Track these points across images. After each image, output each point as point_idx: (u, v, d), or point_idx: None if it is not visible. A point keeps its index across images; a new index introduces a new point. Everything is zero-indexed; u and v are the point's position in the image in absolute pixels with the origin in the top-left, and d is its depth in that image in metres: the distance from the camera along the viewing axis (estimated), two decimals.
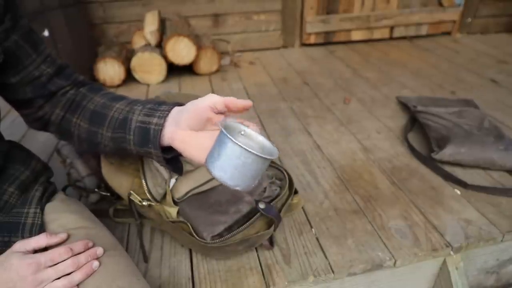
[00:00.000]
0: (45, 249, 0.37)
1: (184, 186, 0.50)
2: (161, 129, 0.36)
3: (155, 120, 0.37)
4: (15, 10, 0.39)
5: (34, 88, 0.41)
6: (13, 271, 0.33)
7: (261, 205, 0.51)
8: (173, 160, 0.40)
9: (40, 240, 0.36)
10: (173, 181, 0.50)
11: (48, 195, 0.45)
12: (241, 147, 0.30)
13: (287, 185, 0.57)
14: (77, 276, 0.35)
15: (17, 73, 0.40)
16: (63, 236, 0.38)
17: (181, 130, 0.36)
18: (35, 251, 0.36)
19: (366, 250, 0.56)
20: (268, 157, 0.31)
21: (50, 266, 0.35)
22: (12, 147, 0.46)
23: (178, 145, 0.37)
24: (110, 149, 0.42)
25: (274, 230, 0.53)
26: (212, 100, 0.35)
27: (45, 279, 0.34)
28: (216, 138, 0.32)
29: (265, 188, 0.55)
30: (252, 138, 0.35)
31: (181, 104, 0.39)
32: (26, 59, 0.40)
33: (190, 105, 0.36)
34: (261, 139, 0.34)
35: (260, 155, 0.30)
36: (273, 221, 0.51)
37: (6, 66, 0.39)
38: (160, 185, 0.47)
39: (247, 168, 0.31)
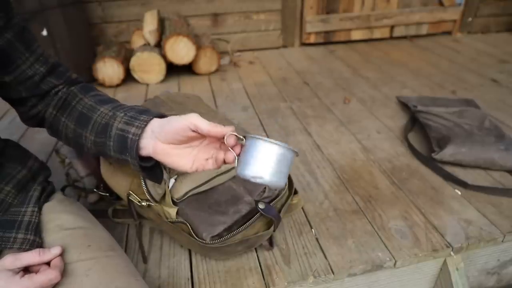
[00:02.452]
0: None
1: (183, 186, 0.50)
2: (138, 139, 0.36)
3: (133, 129, 0.37)
4: (7, 8, 0.38)
5: (27, 88, 0.41)
6: None
7: (261, 206, 0.50)
8: (153, 167, 0.40)
9: (31, 258, 0.34)
10: (172, 181, 0.49)
11: (46, 195, 0.44)
12: (277, 144, 0.33)
13: (287, 185, 0.56)
14: (52, 275, 0.33)
15: (10, 72, 0.40)
16: (56, 251, 0.36)
17: (161, 143, 0.36)
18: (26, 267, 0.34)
19: (366, 251, 0.56)
20: (296, 150, 0.34)
21: None
22: (8, 146, 0.46)
23: (161, 158, 0.37)
24: (93, 152, 0.42)
25: (274, 230, 0.52)
26: (193, 122, 0.34)
27: None
28: (245, 148, 0.35)
29: (264, 188, 0.54)
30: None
31: (163, 116, 0.39)
32: (19, 58, 0.40)
33: (170, 122, 0.36)
34: (273, 140, 0.35)
35: (291, 148, 0.33)
36: (272, 221, 0.51)
37: (0, 65, 0.39)
38: (159, 185, 0.47)
39: (282, 163, 0.34)
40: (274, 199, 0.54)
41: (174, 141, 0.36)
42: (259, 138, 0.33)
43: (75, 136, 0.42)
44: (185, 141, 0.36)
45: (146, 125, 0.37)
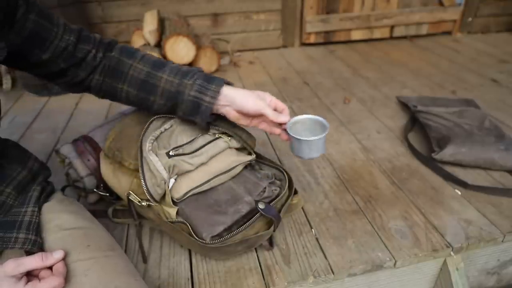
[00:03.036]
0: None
1: (183, 186, 0.50)
2: (212, 107, 0.47)
3: (207, 98, 0.46)
4: None
5: (64, 59, 0.44)
6: None
7: (261, 205, 0.50)
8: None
9: (34, 263, 0.34)
10: (172, 181, 0.49)
11: (46, 195, 0.44)
12: (309, 140, 0.51)
13: (287, 185, 0.56)
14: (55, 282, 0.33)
15: (46, 50, 0.42)
16: (59, 256, 0.36)
17: (234, 112, 0.49)
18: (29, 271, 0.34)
19: (366, 251, 0.56)
20: (320, 137, 0.51)
21: None
22: (8, 146, 0.46)
23: (232, 118, 0.50)
24: (162, 111, 0.50)
25: (274, 230, 0.52)
26: (262, 110, 0.48)
27: None
28: (292, 138, 0.52)
29: (264, 188, 0.54)
30: (307, 121, 0.55)
31: (229, 83, 0.49)
32: (49, 34, 0.42)
33: (246, 99, 0.48)
34: (311, 116, 0.55)
35: (324, 134, 0.52)
36: (272, 221, 0.51)
37: (35, 46, 0.41)
38: (159, 185, 0.47)
39: (316, 145, 0.52)
40: (274, 199, 0.54)
41: (245, 113, 0.49)
42: (299, 139, 0.51)
43: (140, 99, 0.49)
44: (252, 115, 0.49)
45: (218, 95, 0.47)
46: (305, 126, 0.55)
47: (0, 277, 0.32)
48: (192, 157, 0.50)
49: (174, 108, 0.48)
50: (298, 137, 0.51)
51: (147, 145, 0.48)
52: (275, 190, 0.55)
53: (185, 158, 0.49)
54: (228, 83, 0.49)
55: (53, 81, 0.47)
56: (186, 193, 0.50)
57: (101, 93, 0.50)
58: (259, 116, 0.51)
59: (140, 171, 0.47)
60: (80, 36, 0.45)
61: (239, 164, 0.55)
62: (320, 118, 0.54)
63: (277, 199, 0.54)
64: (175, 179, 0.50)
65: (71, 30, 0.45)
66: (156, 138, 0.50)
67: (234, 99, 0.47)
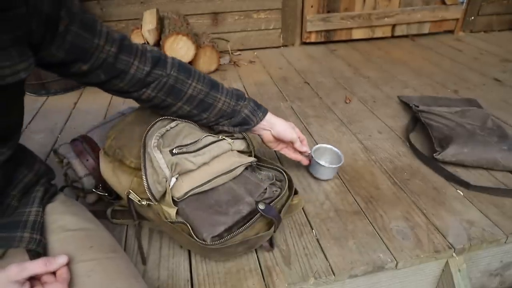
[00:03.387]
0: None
1: (184, 185, 0.49)
2: (255, 127, 0.59)
3: (255, 119, 0.57)
4: (67, 1, 0.38)
5: (104, 70, 0.44)
6: None
7: (261, 206, 0.50)
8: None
9: (37, 268, 0.34)
10: (173, 180, 0.49)
11: (49, 196, 0.44)
12: (328, 166, 0.69)
13: (287, 185, 0.56)
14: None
15: (87, 61, 0.42)
16: (62, 261, 0.35)
17: (270, 135, 0.61)
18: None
19: (367, 252, 0.55)
20: (337, 166, 0.70)
21: None
22: (16, 149, 0.46)
23: (266, 140, 0.63)
24: (204, 124, 0.57)
25: (274, 231, 0.52)
26: (292, 139, 0.62)
27: None
28: (313, 161, 0.70)
29: (265, 189, 0.54)
30: (326, 150, 0.74)
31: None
32: (90, 46, 0.41)
33: (282, 127, 0.61)
34: (333, 148, 0.73)
35: (335, 166, 0.70)
36: (273, 222, 0.51)
37: (76, 57, 0.41)
38: (160, 183, 0.47)
39: (333, 170, 0.71)
40: (275, 199, 0.53)
41: (278, 138, 0.62)
42: (319, 163, 0.69)
43: (190, 114, 0.54)
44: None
45: (263, 119, 0.59)
46: (321, 152, 0.73)
47: (3, 282, 0.32)
48: (195, 155, 0.50)
49: (220, 121, 0.56)
50: (322, 164, 0.69)
51: (152, 141, 0.48)
52: (276, 191, 0.55)
53: (188, 157, 0.49)
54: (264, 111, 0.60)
55: (99, 88, 0.48)
56: (187, 192, 0.50)
57: (148, 104, 0.52)
58: (287, 142, 0.63)
59: (142, 167, 0.47)
60: (121, 46, 0.44)
61: (241, 165, 0.54)
62: (336, 149, 0.73)
63: (277, 199, 0.53)
64: (177, 178, 0.49)
65: (113, 40, 0.44)
66: (162, 136, 0.49)
67: (275, 126, 0.60)
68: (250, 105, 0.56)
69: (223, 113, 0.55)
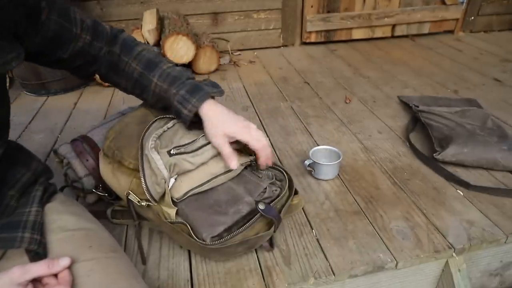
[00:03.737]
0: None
1: (183, 186, 0.49)
2: (188, 119, 0.49)
3: (185, 111, 0.48)
4: None
5: (81, 57, 0.46)
6: None
7: (261, 206, 0.50)
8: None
9: (40, 270, 0.34)
10: (172, 180, 0.49)
11: (48, 196, 0.44)
12: (328, 164, 0.70)
13: (287, 185, 0.56)
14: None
15: (66, 50, 0.44)
16: (65, 263, 0.35)
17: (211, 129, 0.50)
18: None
19: (367, 252, 0.55)
20: (337, 162, 0.70)
21: None
22: (11, 147, 0.46)
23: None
24: (157, 108, 0.53)
25: (274, 231, 0.52)
26: (219, 148, 0.50)
27: None
28: (312, 163, 0.70)
29: (265, 189, 0.54)
30: (324, 150, 0.74)
31: (218, 92, 0.51)
32: (70, 34, 0.43)
33: (210, 131, 0.49)
34: (328, 147, 0.74)
35: (334, 163, 0.70)
36: (273, 222, 0.51)
37: (57, 46, 0.43)
38: (159, 184, 0.47)
39: (333, 168, 0.71)
40: (275, 199, 0.53)
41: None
42: (320, 163, 0.69)
43: (136, 95, 0.52)
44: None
45: (196, 110, 0.47)
46: (322, 154, 0.73)
47: (6, 284, 0.32)
48: (193, 156, 0.50)
49: (165, 108, 0.51)
50: (322, 163, 0.69)
51: (149, 143, 0.47)
52: (276, 190, 0.55)
53: (186, 157, 0.49)
54: (219, 92, 0.51)
55: (67, 71, 0.49)
56: (186, 192, 0.50)
57: (107, 83, 0.55)
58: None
59: (140, 169, 0.47)
60: (94, 33, 0.46)
61: (240, 165, 0.54)
62: (335, 149, 0.72)
63: (277, 199, 0.53)
64: (175, 179, 0.49)
65: (87, 27, 0.45)
66: (159, 136, 0.49)
67: (204, 122, 0.48)
68: (180, 94, 0.46)
69: (158, 97, 0.49)
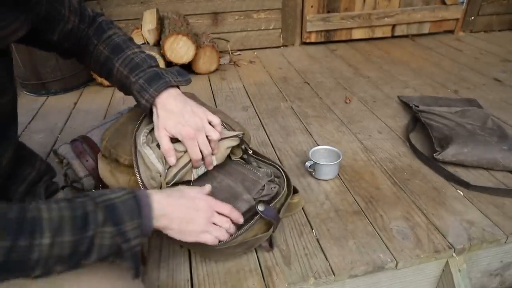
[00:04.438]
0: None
1: (173, 168, 0.48)
2: (147, 109, 0.47)
3: (143, 101, 0.46)
4: None
5: (69, 40, 0.47)
6: (196, 203, 0.41)
7: (260, 207, 0.50)
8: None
9: (224, 209, 0.44)
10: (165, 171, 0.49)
11: (50, 193, 0.45)
12: (328, 164, 0.70)
13: (285, 183, 0.56)
14: (231, 230, 0.44)
15: (56, 31, 0.44)
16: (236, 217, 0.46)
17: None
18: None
19: (367, 252, 0.55)
20: (337, 161, 0.70)
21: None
22: (19, 146, 0.46)
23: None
24: (119, 90, 0.51)
25: (273, 231, 0.52)
26: (160, 141, 0.47)
27: (215, 221, 0.42)
28: (312, 164, 0.71)
29: (263, 186, 0.54)
30: (323, 150, 0.74)
31: (183, 80, 0.49)
32: (59, 15, 0.43)
33: (155, 121, 0.47)
34: (327, 147, 0.74)
35: (334, 162, 0.70)
36: (272, 222, 0.51)
37: (48, 27, 0.43)
38: (154, 178, 0.47)
39: (333, 168, 0.71)
40: (273, 197, 0.53)
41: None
42: (320, 163, 0.69)
43: (103, 76, 0.51)
44: None
45: (152, 100, 0.45)
46: (322, 154, 0.73)
47: (198, 191, 0.43)
48: (179, 145, 0.48)
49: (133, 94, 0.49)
50: (322, 163, 0.69)
51: (141, 139, 0.48)
52: (274, 188, 0.54)
53: (174, 146, 0.48)
54: (185, 80, 0.49)
55: (55, 52, 0.49)
56: (176, 173, 0.48)
57: (80, 62, 0.53)
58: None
59: (135, 165, 0.47)
60: (81, 16, 0.47)
61: (227, 148, 0.52)
62: (335, 149, 0.73)
63: (277, 199, 0.53)
64: (167, 169, 0.49)
65: (75, 10, 0.46)
66: (150, 131, 0.49)
67: (154, 111, 0.46)
68: (139, 83, 0.45)
69: (122, 85, 0.48)
